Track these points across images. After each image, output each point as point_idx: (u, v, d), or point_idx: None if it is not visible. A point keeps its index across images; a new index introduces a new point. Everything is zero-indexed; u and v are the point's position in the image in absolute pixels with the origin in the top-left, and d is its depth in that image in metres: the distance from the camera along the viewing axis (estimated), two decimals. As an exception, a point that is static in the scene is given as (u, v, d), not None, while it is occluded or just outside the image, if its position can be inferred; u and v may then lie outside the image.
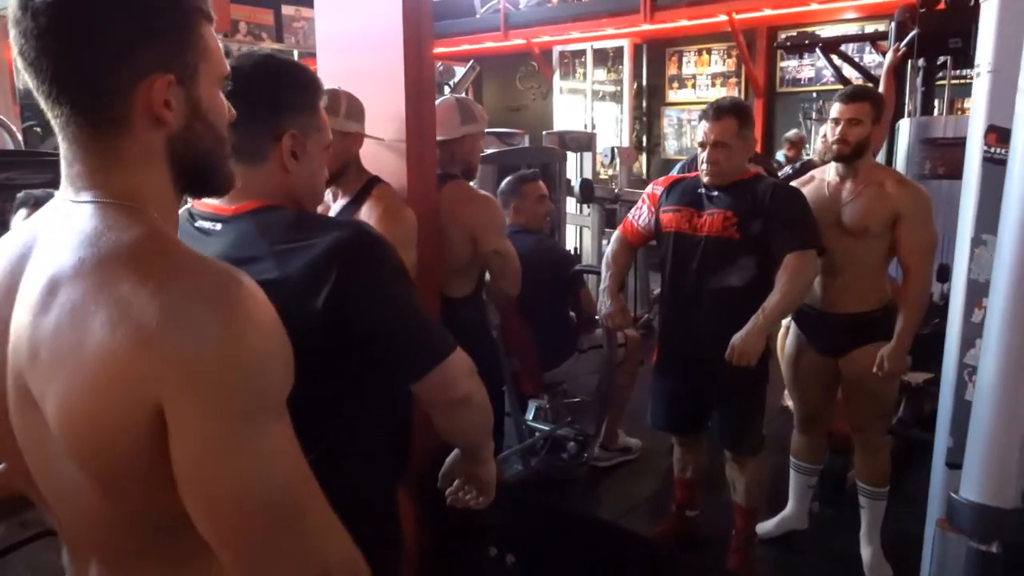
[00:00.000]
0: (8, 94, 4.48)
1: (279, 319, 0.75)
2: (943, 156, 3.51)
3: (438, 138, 2.20)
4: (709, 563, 2.60)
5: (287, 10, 8.79)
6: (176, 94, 0.75)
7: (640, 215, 2.50)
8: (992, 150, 0.96)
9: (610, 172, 8.22)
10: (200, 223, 1.15)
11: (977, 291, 1.01)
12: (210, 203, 1.15)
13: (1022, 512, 0.76)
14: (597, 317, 3.14)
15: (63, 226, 0.74)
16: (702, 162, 2.28)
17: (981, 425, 0.78)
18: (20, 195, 1.79)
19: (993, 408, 0.77)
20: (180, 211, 1.24)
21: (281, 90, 1.16)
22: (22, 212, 1.79)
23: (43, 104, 0.74)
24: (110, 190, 0.74)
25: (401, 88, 2.02)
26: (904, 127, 3.69)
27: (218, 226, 1.13)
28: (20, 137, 3.94)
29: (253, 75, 1.13)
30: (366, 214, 1.89)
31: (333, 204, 2.02)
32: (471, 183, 2.43)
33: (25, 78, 0.73)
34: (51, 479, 0.77)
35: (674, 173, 3.18)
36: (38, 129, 5.77)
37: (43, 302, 0.69)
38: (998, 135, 0.95)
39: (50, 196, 1.82)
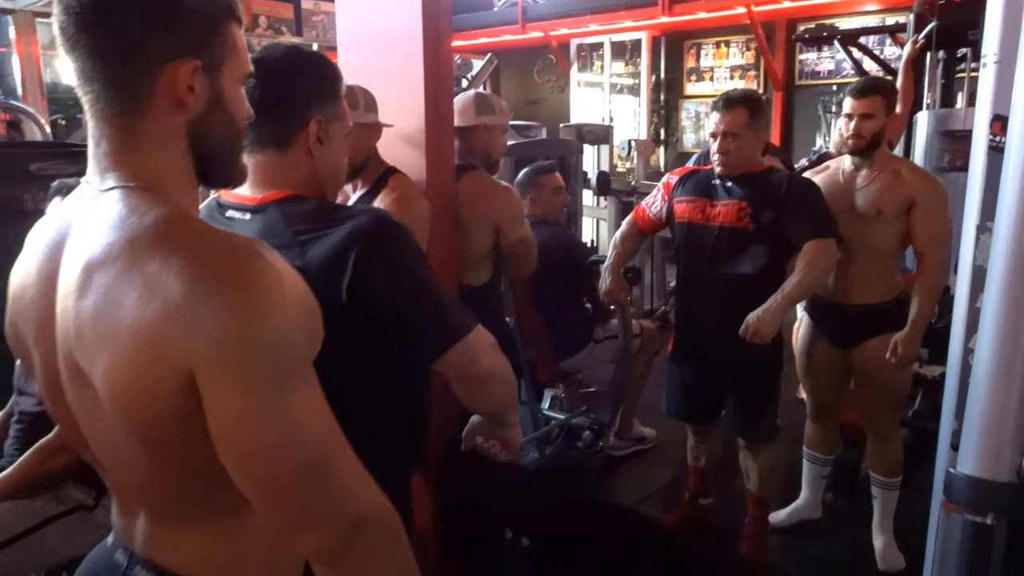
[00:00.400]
0: (37, 88, 4.59)
1: (305, 287, 0.80)
2: (962, 148, 3.49)
3: (457, 126, 2.25)
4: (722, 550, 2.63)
5: (307, 4, 8.85)
6: (200, 80, 0.81)
7: (654, 203, 2.54)
8: (996, 139, 0.99)
9: (627, 165, 8.23)
10: (229, 212, 1.21)
11: (981, 277, 1.03)
12: (238, 193, 1.21)
13: (1016, 486, 0.80)
14: (612, 307, 3.18)
15: (92, 213, 0.79)
16: (713, 153, 2.31)
17: (977, 403, 0.81)
18: (55, 184, 1.86)
19: (988, 386, 0.80)
20: (208, 200, 1.30)
21: (307, 79, 1.22)
22: (56, 200, 1.86)
23: (77, 83, 0.80)
24: (132, 171, 0.79)
25: (420, 82, 2.06)
26: (923, 119, 3.68)
27: (247, 216, 1.18)
28: (48, 129, 4.04)
29: (280, 65, 1.19)
30: (380, 203, 1.94)
31: (352, 194, 2.07)
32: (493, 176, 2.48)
33: (63, 57, 0.78)
34: (103, 444, 0.84)
35: (690, 165, 3.21)
36: (63, 122, 5.90)
37: (81, 286, 0.75)
38: (1002, 124, 0.97)
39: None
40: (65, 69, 6.77)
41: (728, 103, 2.27)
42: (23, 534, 1.72)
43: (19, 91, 4.73)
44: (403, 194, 1.95)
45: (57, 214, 0.86)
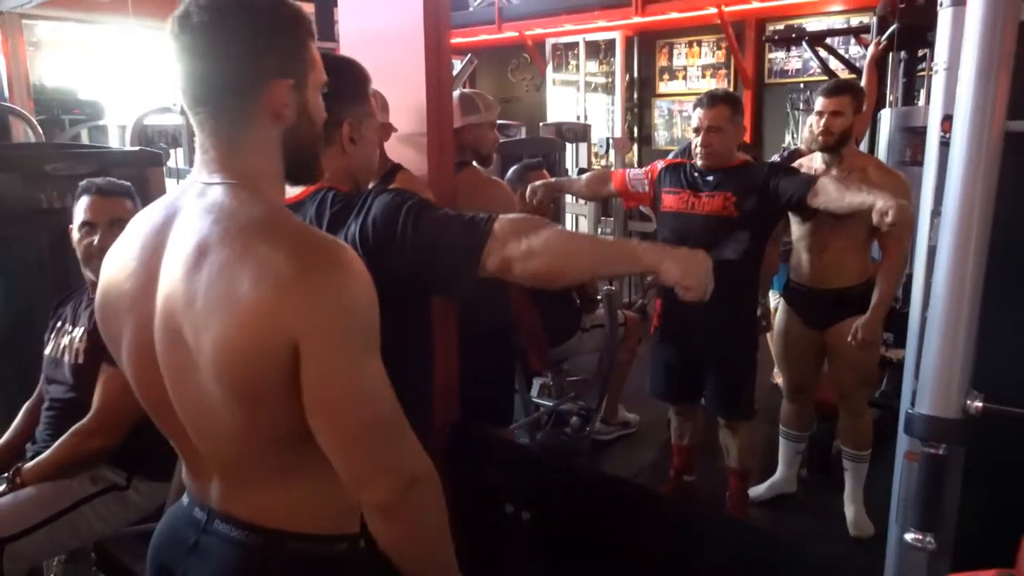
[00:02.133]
0: (24, 89, 4.61)
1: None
2: (923, 144, 3.66)
3: None
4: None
5: (306, 7, 8.89)
6: (292, 95, 0.95)
7: (637, 180, 2.71)
8: (945, 135, 1.16)
9: (603, 162, 8.41)
10: None
11: (934, 256, 1.20)
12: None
13: (962, 421, 0.97)
14: (599, 297, 3.34)
15: (200, 203, 0.93)
16: (696, 147, 2.47)
17: (930, 355, 0.98)
18: (83, 183, 1.96)
19: (938, 341, 0.96)
20: None
21: (338, 84, 1.35)
22: (84, 199, 1.95)
23: (186, 103, 0.93)
24: (237, 173, 0.93)
25: (422, 81, 2.17)
26: (886, 116, 3.87)
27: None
28: (40, 131, 4.09)
29: None
30: None
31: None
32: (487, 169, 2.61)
33: (176, 83, 0.93)
34: (191, 404, 0.95)
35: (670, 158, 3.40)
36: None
37: (195, 262, 0.88)
38: (950, 122, 1.14)
39: (109, 183, 1.99)
40: (48, 71, 6.71)
41: (712, 100, 2.45)
42: (61, 512, 1.82)
43: (6, 92, 4.77)
44: (409, 187, 2.07)
45: (161, 203, 0.99)
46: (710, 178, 2.49)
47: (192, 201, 0.94)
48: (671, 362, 2.71)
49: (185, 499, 1.08)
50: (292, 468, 0.97)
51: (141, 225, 0.99)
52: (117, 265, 1.00)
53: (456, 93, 2.56)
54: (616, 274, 1.47)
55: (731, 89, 7.80)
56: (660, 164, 2.69)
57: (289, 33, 0.94)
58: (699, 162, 2.49)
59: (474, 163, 2.52)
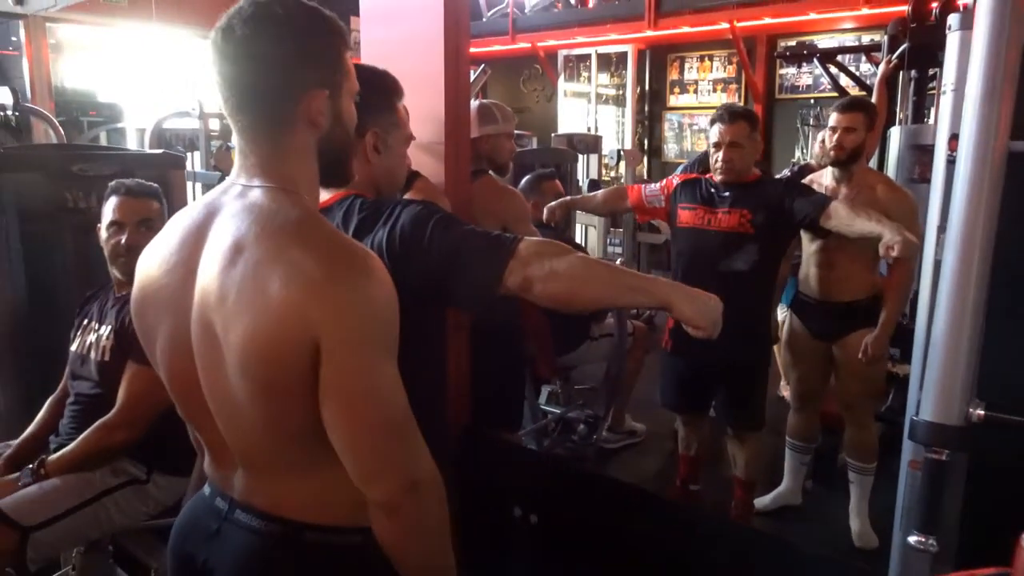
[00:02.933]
0: (46, 91, 4.70)
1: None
2: (932, 161, 3.70)
3: None
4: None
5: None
6: (327, 105, 1.00)
7: (653, 195, 2.74)
8: (952, 154, 1.20)
9: (612, 174, 8.46)
10: None
11: (940, 270, 1.24)
12: None
13: (963, 428, 1.01)
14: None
15: (239, 204, 0.98)
16: (716, 162, 2.50)
17: (934, 365, 1.03)
18: (112, 184, 2.01)
19: (942, 353, 1.01)
20: None
21: (365, 94, 1.39)
22: (113, 199, 2.01)
23: (227, 111, 0.98)
24: (275, 177, 0.98)
25: (441, 91, 2.23)
26: (895, 134, 3.91)
27: None
28: (62, 132, 4.16)
29: None
30: (406, 198, 2.11)
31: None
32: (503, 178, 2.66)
33: (218, 91, 0.98)
34: (220, 396, 0.99)
35: (679, 172, 3.45)
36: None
37: (230, 259, 0.93)
38: (957, 142, 1.19)
39: (138, 184, 2.05)
40: (69, 73, 6.81)
41: (732, 116, 2.48)
42: (84, 504, 1.87)
43: (28, 93, 4.85)
44: (428, 195, 2.12)
45: (201, 202, 1.04)
46: (726, 194, 2.52)
47: (232, 201, 0.98)
48: (683, 373, 2.74)
49: (207, 489, 1.12)
50: (310, 462, 1.00)
51: (181, 222, 1.04)
52: (156, 261, 1.05)
53: (474, 103, 2.60)
54: (630, 305, 1.49)
55: (741, 103, 7.86)
56: (676, 179, 2.72)
57: (326, 45, 0.99)
58: (718, 177, 2.53)
59: (491, 172, 2.57)
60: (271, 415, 0.95)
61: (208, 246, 0.97)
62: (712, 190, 2.56)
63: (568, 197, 2.88)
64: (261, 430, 0.98)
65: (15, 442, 2.10)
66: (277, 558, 1.01)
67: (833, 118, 2.62)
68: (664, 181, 2.76)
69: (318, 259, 0.90)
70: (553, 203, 2.82)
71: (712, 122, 2.55)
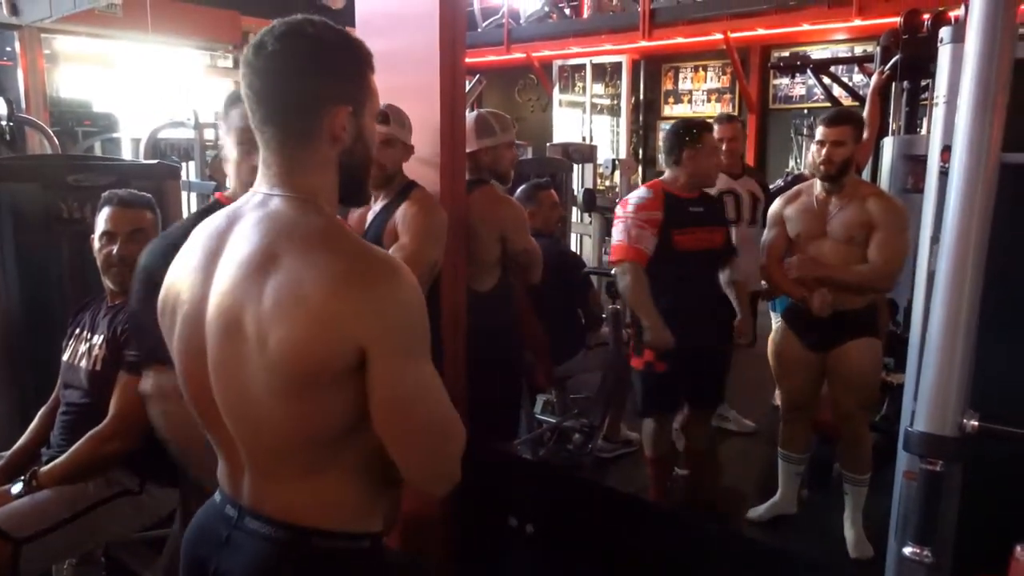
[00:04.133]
0: (41, 101, 4.70)
1: None
2: (924, 172, 3.72)
3: None
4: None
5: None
6: (350, 121, 1.03)
7: (645, 240, 2.63)
8: (945, 165, 1.21)
9: (607, 183, 8.48)
10: None
11: (933, 281, 1.25)
12: None
13: (958, 439, 1.02)
14: (604, 316, 3.39)
15: (260, 209, 1.01)
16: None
17: (928, 376, 1.03)
18: (105, 194, 2.01)
19: (936, 363, 1.02)
20: None
21: None
22: (105, 210, 2.01)
23: (254, 123, 1.02)
24: (297, 188, 1.02)
25: (436, 102, 2.23)
26: (888, 144, 3.93)
27: None
28: (56, 141, 4.16)
29: None
30: (403, 210, 2.11)
31: (374, 204, 2.24)
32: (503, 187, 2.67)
33: (248, 103, 1.02)
34: (235, 397, 1.01)
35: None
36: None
37: (260, 266, 0.96)
38: (949, 153, 1.20)
39: (131, 194, 2.05)
40: (64, 83, 6.80)
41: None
42: (77, 515, 1.86)
43: (23, 104, 4.86)
44: (425, 205, 2.13)
45: (224, 211, 1.08)
46: (700, 210, 2.72)
47: (253, 210, 1.03)
48: (672, 380, 2.75)
49: (217, 496, 1.14)
50: (323, 466, 1.03)
51: (205, 229, 1.08)
52: (177, 265, 1.09)
53: (471, 116, 2.60)
54: None
55: (735, 113, 7.90)
56: (656, 214, 2.64)
57: (351, 64, 1.03)
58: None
59: (492, 182, 2.57)
60: (297, 417, 0.98)
61: (227, 252, 1.01)
62: (690, 208, 2.73)
63: (647, 317, 2.64)
64: (281, 432, 1.00)
65: (7, 453, 2.09)
66: (286, 564, 1.03)
67: (820, 132, 2.61)
68: (644, 222, 2.64)
69: (352, 267, 0.95)
70: (660, 338, 2.63)
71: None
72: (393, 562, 1.07)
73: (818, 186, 2.69)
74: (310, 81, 0.99)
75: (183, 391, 1.10)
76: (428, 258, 2.04)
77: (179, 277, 1.08)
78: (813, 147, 2.68)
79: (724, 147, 3.48)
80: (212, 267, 1.02)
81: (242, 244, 1.00)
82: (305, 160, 1.02)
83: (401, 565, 1.05)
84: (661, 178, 2.81)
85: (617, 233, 2.70)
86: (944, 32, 1.32)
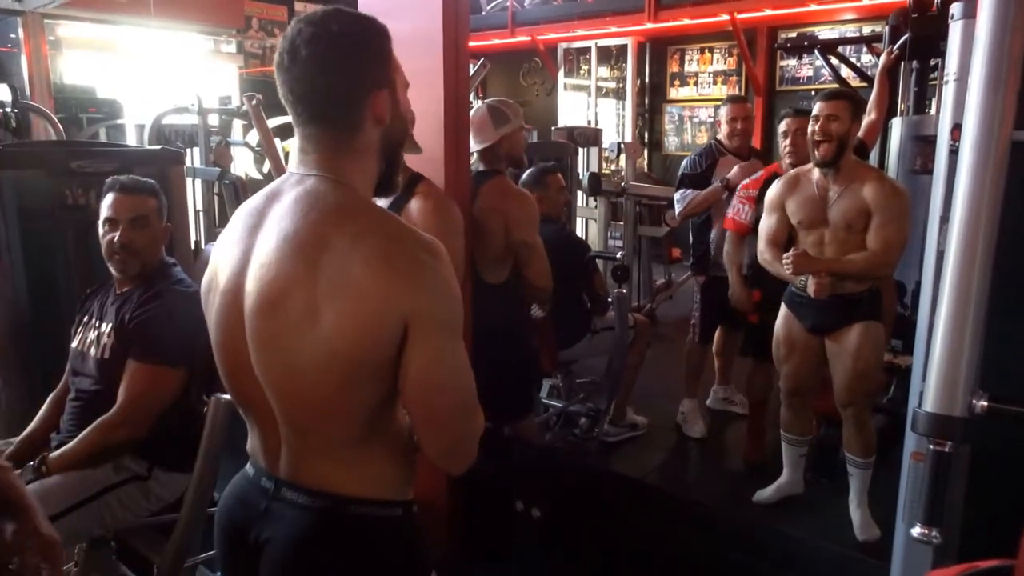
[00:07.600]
0: (45, 88, 4.69)
1: None
2: (933, 152, 3.68)
3: (480, 146, 2.44)
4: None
5: (299, 7, 8.96)
6: (388, 101, 1.06)
7: (743, 213, 3.13)
8: (955, 144, 1.19)
9: (613, 167, 8.45)
10: None
11: (943, 260, 1.24)
12: None
13: (966, 419, 1.01)
14: (610, 300, 3.38)
15: (298, 188, 1.05)
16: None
17: (937, 356, 1.03)
18: (108, 180, 2.01)
19: (945, 343, 1.01)
20: None
21: None
22: (108, 196, 2.00)
23: (296, 122, 1.06)
24: (332, 169, 1.05)
25: (440, 87, 2.22)
26: (897, 125, 3.90)
27: None
28: (61, 128, 4.15)
29: None
30: (416, 207, 2.09)
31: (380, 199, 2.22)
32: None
33: (287, 105, 1.05)
34: (278, 370, 1.04)
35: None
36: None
37: (313, 246, 0.99)
38: (960, 132, 1.18)
39: (133, 180, 2.05)
40: (68, 69, 6.80)
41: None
42: (86, 500, 1.87)
43: (27, 90, 4.85)
44: (438, 200, 2.11)
45: (263, 191, 1.11)
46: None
47: (290, 188, 1.06)
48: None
49: (250, 470, 1.17)
50: (360, 438, 1.07)
51: (246, 207, 1.12)
52: (220, 243, 1.13)
53: (481, 110, 2.59)
54: None
55: (742, 95, 7.83)
56: (752, 191, 3.11)
57: (379, 47, 1.06)
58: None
59: (505, 173, 2.56)
60: (343, 390, 1.02)
61: (266, 227, 1.04)
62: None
63: (731, 279, 3.24)
64: (325, 406, 1.04)
65: (16, 439, 2.10)
66: (326, 530, 1.08)
67: (816, 107, 2.59)
68: (746, 198, 3.13)
69: (401, 247, 0.99)
70: (740, 298, 3.22)
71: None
72: (422, 528, 1.12)
73: (816, 171, 2.65)
74: (349, 79, 1.03)
75: (218, 365, 1.13)
76: (457, 255, 2.04)
77: (222, 254, 1.11)
78: (810, 128, 2.63)
79: (737, 127, 3.50)
80: (252, 241, 1.05)
81: (283, 221, 1.02)
82: (347, 146, 1.06)
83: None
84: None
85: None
86: (955, 8, 1.30)
